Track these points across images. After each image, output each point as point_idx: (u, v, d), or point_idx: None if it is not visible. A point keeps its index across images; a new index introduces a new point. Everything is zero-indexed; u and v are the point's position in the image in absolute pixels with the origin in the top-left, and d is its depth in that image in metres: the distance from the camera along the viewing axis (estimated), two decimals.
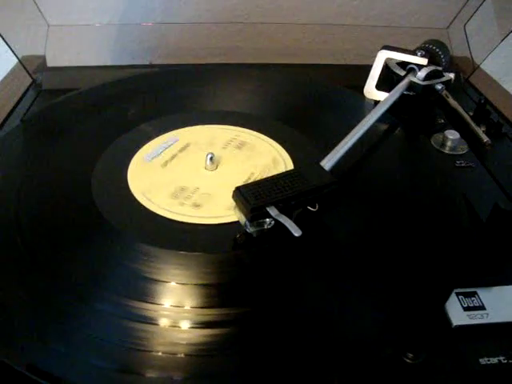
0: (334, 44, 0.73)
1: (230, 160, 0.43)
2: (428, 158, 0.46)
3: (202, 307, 0.30)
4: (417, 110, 0.52)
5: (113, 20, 0.69)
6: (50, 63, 0.64)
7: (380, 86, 0.54)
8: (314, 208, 0.36)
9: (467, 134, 0.51)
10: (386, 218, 0.38)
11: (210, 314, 0.30)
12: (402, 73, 0.52)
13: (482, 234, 0.37)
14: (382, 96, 0.52)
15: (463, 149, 0.49)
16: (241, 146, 0.45)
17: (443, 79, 0.50)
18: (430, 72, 0.50)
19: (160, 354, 0.27)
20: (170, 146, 0.44)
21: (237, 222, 0.35)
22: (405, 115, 0.51)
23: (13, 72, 0.65)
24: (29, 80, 0.62)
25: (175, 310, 0.30)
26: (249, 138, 0.47)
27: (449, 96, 0.57)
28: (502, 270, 0.35)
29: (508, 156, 0.50)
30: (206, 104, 0.52)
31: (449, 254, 0.34)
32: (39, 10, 0.63)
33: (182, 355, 0.28)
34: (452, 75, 0.51)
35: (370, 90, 0.54)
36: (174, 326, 0.29)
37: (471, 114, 0.54)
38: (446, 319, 0.31)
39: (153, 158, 0.42)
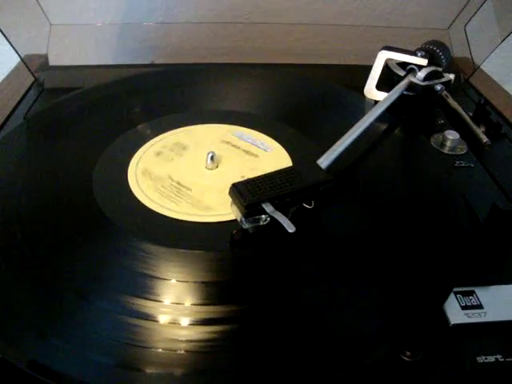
0: (335, 44, 0.73)
1: (231, 159, 0.44)
2: (427, 158, 0.46)
3: (201, 304, 0.30)
4: (416, 110, 0.52)
5: (115, 19, 0.69)
6: (52, 62, 0.65)
7: (380, 87, 0.54)
8: (310, 205, 0.36)
9: (467, 134, 0.51)
10: (384, 218, 0.38)
11: (210, 311, 0.30)
12: (402, 73, 0.52)
13: (480, 233, 0.37)
14: (382, 96, 0.53)
15: (462, 149, 0.49)
16: (242, 145, 0.46)
17: (443, 80, 0.51)
18: (430, 72, 0.50)
19: (160, 350, 0.28)
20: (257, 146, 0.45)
21: (236, 220, 0.35)
22: (404, 115, 0.52)
23: (15, 70, 0.66)
24: (31, 79, 0.62)
25: (175, 306, 0.30)
26: (250, 138, 0.47)
27: (449, 96, 0.57)
28: (500, 270, 0.35)
29: (507, 156, 0.50)
30: (208, 103, 0.53)
31: (447, 254, 0.35)
32: (42, 9, 0.64)
33: (182, 351, 0.28)
34: (452, 76, 0.51)
35: (370, 90, 0.54)
36: (174, 322, 0.29)
37: (471, 114, 0.54)
38: (444, 318, 0.31)
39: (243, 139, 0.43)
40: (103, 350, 0.28)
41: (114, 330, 0.29)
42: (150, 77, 0.58)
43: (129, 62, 0.68)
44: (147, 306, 0.30)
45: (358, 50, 0.70)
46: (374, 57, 0.54)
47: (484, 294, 0.33)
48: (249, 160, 0.44)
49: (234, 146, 0.46)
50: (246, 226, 0.34)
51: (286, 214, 0.34)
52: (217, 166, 0.42)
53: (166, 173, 0.42)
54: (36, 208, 0.38)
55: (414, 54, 0.52)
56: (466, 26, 0.66)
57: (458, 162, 0.47)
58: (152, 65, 0.69)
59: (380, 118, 0.48)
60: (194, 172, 0.42)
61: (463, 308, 0.32)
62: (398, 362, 0.29)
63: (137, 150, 0.44)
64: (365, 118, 0.44)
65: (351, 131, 0.42)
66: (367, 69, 0.55)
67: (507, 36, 0.60)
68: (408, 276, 0.33)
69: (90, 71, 0.64)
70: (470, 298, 0.33)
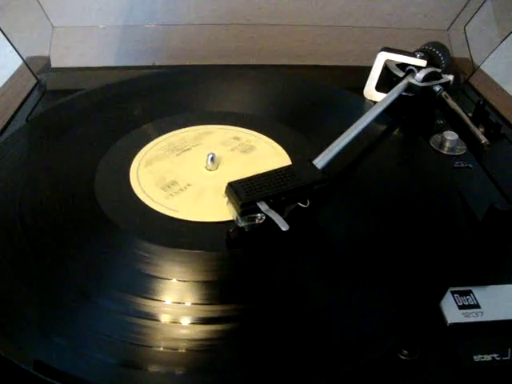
0: (336, 45, 0.73)
1: (231, 160, 0.44)
2: (426, 158, 0.46)
3: (202, 304, 0.31)
4: (415, 111, 0.53)
5: (116, 21, 0.69)
6: (55, 64, 0.65)
7: (380, 88, 0.54)
8: (305, 205, 0.37)
9: (466, 134, 0.51)
10: (383, 218, 0.39)
11: (211, 310, 0.30)
12: (401, 74, 0.53)
13: (478, 233, 0.37)
14: (381, 97, 0.53)
15: (462, 150, 0.49)
16: (243, 146, 0.46)
17: (442, 81, 0.51)
18: (429, 74, 0.51)
19: (162, 349, 0.28)
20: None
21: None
22: (403, 116, 0.52)
23: (18, 72, 0.66)
24: (33, 81, 0.62)
25: (176, 306, 0.31)
26: (251, 139, 0.47)
27: (448, 97, 0.57)
28: (498, 269, 0.35)
29: (506, 157, 0.50)
30: (209, 105, 0.53)
31: (445, 253, 0.35)
32: (44, 12, 0.64)
33: (184, 350, 0.28)
34: (451, 77, 0.52)
35: (370, 91, 0.55)
36: (175, 321, 0.30)
37: (470, 115, 0.55)
38: (441, 317, 0.32)
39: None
40: (105, 348, 0.28)
41: (116, 329, 0.29)
42: (152, 78, 0.59)
43: (130, 64, 0.69)
44: (149, 305, 0.31)
45: (359, 51, 0.70)
46: (374, 58, 0.54)
47: (481, 294, 0.33)
48: (249, 161, 0.44)
49: (234, 147, 0.46)
50: (241, 224, 0.35)
51: (281, 213, 0.34)
52: (217, 167, 0.43)
53: (168, 173, 0.42)
54: (38, 209, 0.38)
55: (412, 55, 0.52)
56: (465, 26, 0.66)
57: (457, 163, 0.48)
58: (153, 66, 0.69)
59: (379, 119, 0.48)
60: (194, 173, 0.43)
61: (460, 307, 0.32)
62: (396, 361, 0.30)
63: (138, 151, 0.45)
64: (362, 118, 0.45)
65: (348, 132, 0.43)
66: (367, 70, 0.56)
67: (507, 36, 0.60)
68: (405, 275, 0.34)
69: (91, 73, 0.64)
70: (467, 297, 0.33)
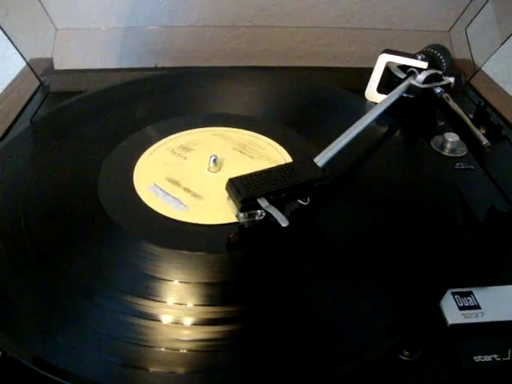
0: (338, 46, 0.74)
1: (234, 162, 0.44)
2: (427, 160, 0.47)
3: (203, 305, 0.31)
4: (417, 112, 0.53)
5: (119, 23, 0.70)
6: (58, 66, 0.65)
7: (381, 89, 0.55)
8: (306, 202, 0.37)
9: (467, 136, 0.51)
10: (383, 218, 0.39)
11: (212, 311, 0.31)
12: (403, 75, 0.53)
13: (478, 235, 0.37)
14: (382, 99, 0.53)
15: (462, 151, 0.50)
16: (245, 148, 0.46)
17: (443, 83, 0.51)
18: (430, 75, 0.51)
19: (163, 349, 0.28)
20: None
21: (238, 223, 0.36)
22: (405, 117, 0.52)
23: (21, 75, 0.66)
24: (37, 82, 0.63)
25: (178, 307, 0.31)
26: (253, 141, 0.47)
27: (449, 98, 0.57)
28: (498, 271, 0.36)
29: (507, 158, 0.50)
30: (211, 107, 0.53)
31: (445, 254, 0.35)
32: (47, 14, 0.65)
33: (185, 351, 0.29)
34: (452, 79, 0.52)
35: (371, 93, 0.55)
36: (177, 322, 0.30)
37: (471, 116, 0.55)
38: (442, 318, 0.32)
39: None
40: (107, 348, 0.28)
41: (118, 330, 0.29)
42: (155, 80, 0.59)
43: (133, 66, 0.69)
44: (151, 306, 0.31)
45: (360, 52, 0.71)
46: (376, 59, 0.55)
47: (481, 295, 0.33)
48: (251, 163, 0.44)
49: (237, 149, 0.46)
50: (241, 220, 0.35)
51: (281, 210, 0.34)
52: (219, 169, 0.43)
53: (170, 175, 0.43)
54: (42, 210, 0.39)
55: (414, 57, 0.53)
56: (466, 28, 0.66)
57: (457, 164, 0.48)
58: (156, 68, 0.70)
59: (380, 120, 0.49)
60: (197, 174, 0.43)
61: (461, 308, 0.32)
62: (396, 361, 0.30)
63: (141, 153, 0.45)
64: (363, 118, 0.45)
65: (349, 131, 0.43)
66: (369, 71, 0.56)
67: (508, 38, 0.60)
68: (406, 276, 0.34)
69: (94, 75, 0.65)
70: (468, 298, 0.33)
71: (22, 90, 0.62)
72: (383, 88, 0.54)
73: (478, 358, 0.30)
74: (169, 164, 0.44)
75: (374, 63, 0.55)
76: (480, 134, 0.51)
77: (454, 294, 0.33)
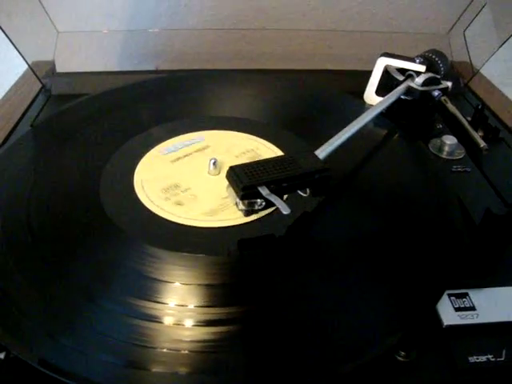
0: (337, 49, 0.74)
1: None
2: (425, 162, 0.47)
3: (204, 306, 0.32)
4: (415, 115, 0.54)
5: (120, 26, 0.70)
6: (59, 69, 0.66)
7: (380, 92, 0.55)
8: (305, 194, 0.37)
9: (465, 138, 0.52)
10: (380, 220, 0.39)
11: (212, 312, 0.31)
12: (401, 78, 0.53)
13: (475, 237, 0.38)
14: None
15: (460, 154, 0.50)
16: (245, 151, 0.47)
17: (440, 87, 0.52)
18: (428, 79, 0.51)
19: (165, 350, 0.29)
20: (190, 144, 0.45)
21: (238, 226, 0.37)
22: (403, 120, 0.53)
23: (23, 77, 0.67)
24: (38, 85, 0.63)
25: (179, 308, 0.32)
26: (253, 144, 0.48)
27: (448, 101, 0.58)
28: (494, 272, 0.36)
29: (504, 160, 0.51)
30: (211, 110, 0.54)
31: (442, 256, 0.36)
32: (49, 17, 0.65)
33: (186, 352, 0.29)
34: (449, 83, 0.52)
35: (370, 96, 0.55)
36: (178, 323, 0.31)
37: (469, 119, 0.55)
38: (438, 319, 0.33)
39: (169, 153, 0.42)
40: (110, 349, 0.29)
41: (121, 331, 0.30)
42: (155, 83, 0.59)
43: (134, 68, 0.70)
44: (152, 307, 0.31)
45: (360, 55, 0.71)
46: (375, 62, 0.55)
47: (477, 296, 0.34)
48: None
49: (236, 152, 0.47)
50: (240, 208, 0.35)
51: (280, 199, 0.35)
52: (219, 172, 0.44)
53: (170, 178, 0.43)
54: (45, 213, 0.39)
55: (412, 60, 0.53)
56: (465, 30, 0.67)
57: (455, 167, 0.48)
58: (156, 71, 0.70)
59: (379, 123, 0.49)
60: (197, 178, 0.43)
61: (456, 310, 0.33)
62: (393, 362, 0.30)
63: (142, 156, 0.46)
64: (363, 115, 0.46)
65: (349, 127, 0.44)
66: (369, 74, 0.56)
67: (505, 41, 0.60)
68: (403, 278, 0.34)
69: (95, 77, 0.65)
70: (464, 300, 0.34)
71: (24, 92, 0.63)
72: (382, 91, 0.55)
73: (472, 359, 0.31)
74: (169, 167, 0.45)
75: (373, 66, 0.56)
76: (478, 136, 0.52)
77: (449, 295, 0.34)
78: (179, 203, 0.40)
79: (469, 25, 0.66)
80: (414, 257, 0.36)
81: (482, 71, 0.68)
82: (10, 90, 0.64)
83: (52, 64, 0.66)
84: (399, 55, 0.54)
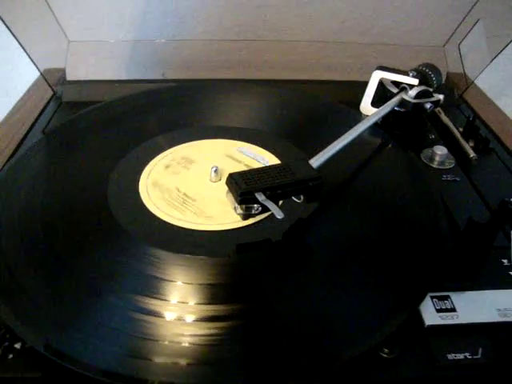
0: (337, 60, 0.76)
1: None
2: (416, 172, 0.49)
3: (203, 303, 0.34)
4: (408, 126, 0.56)
5: (128, 35, 0.73)
6: (69, 77, 0.69)
7: (375, 103, 0.58)
8: (299, 200, 0.40)
9: (456, 149, 0.54)
10: (371, 226, 0.42)
11: (211, 309, 0.34)
12: (395, 90, 0.56)
13: (459, 243, 0.40)
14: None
15: (450, 163, 0.53)
16: (245, 160, 0.50)
17: (432, 99, 0.54)
18: (421, 91, 0.54)
19: (167, 343, 0.32)
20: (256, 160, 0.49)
21: (235, 230, 0.40)
22: (397, 131, 0.55)
23: (35, 84, 0.70)
24: (50, 92, 0.66)
25: (180, 305, 0.34)
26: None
27: (441, 112, 0.61)
28: (475, 277, 0.38)
29: (493, 170, 0.53)
30: (213, 119, 0.57)
31: (426, 261, 0.38)
32: (60, 27, 0.68)
33: (187, 344, 0.32)
34: (441, 96, 0.55)
35: (366, 107, 0.58)
36: (179, 319, 0.33)
37: (461, 129, 0.58)
38: (420, 319, 0.35)
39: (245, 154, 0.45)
40: (116, 341, 0.32)
41: (126, 325, 0.33)
42: (162, 92, 0.62)
43: (141, 77, 0.72)
44: (155, 304, 0.34)
45: (358, 66, 0.73)
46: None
47: (458, 299, 0.36)
48: None
49: (236, 160, 0.49)
50: (239, 212, 0.38)
51: (276, 204, 0.37)
52: (220, 179, 0.46)
53: (174, 184, 0.46)
54: (57, 217, 0.42)
55: (406, 73, 0.56)
56: (460, 44, 0.69)
57: (445, 176, 0.51)
58: (163, 80, 0.73)
59: (372, 133, 0.52)
60: (199, 184, 0.46)
61: (438, 311, 0.35)
62: (377, 358, 0.33)
63: (147, 163, 0.49)
64: (357, 126, 0.48)
65: (343, 137, 0.46)
66: (365, 85, 0.59)
67: (497, 54, 0.63)
68: (388, 281, 0.37)
69: (104, 85, 0.68)
70: (445, 302, 0.36)
71: (36, 99, 0.66)
72: (377, 102, 0.57)
73: (451, 356, 0.33)
74: (172, 173, 0.47)
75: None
76: (468, 147, 0.54)
77: (432, 297, 0.36)
78: (182, 208, 0.43)
79: (463, 38, 0.69)
80: (400, 261, 0.39)
81: (478, 83, 0.71)
82: (23, 96, 0.67)
83: (62, 72, 0.68)
84: (394, 68, 0.56)
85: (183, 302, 0.34)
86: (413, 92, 0.54)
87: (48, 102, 0.65)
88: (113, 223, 0.41)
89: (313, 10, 0.72)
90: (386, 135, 0.53)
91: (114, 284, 0.36)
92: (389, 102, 0.54)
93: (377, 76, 0.57)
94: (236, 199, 0.37)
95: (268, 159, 0.49)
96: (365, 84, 0.59)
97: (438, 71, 0.57)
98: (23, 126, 0.59)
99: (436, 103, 0.54)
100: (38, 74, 0.66)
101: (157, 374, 0.30)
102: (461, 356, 0.33)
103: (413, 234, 0.41)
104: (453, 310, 0.36)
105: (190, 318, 0.34)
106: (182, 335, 0.32)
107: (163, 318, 0.33)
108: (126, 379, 0.29)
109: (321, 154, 0.43)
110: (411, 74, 0.55)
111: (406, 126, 0.56)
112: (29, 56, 0.62)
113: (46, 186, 0.45)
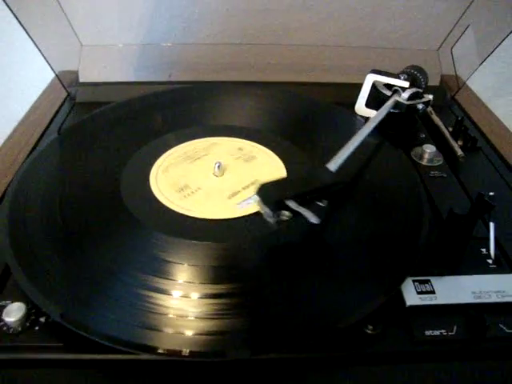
0: (336, 63, 0.80)
1: (235, 168, 0.52)
2: (406, 168, 0.53)
3: (207, 283, 0.39)
4: (401, 126, 0.60)
5: (137, 38, 0.77)
6: (82, 78, 0.73)
7: (369, 105, 0.61)
8: (324, 204, 0.43)
9: (445, 147, 0.58)
10: (361, 216, 0.46)
11: (214, 288, 0.38)
12: (388, 93, 0.59)
13: (441, 233, 0.44)
14: (370, 113, 0.60)
15: (439, 161, 0.56)
16: (245, 156, 0.54)
17: (423, 100, 0.58)
18: (413, 93, 0.57)
19: (172, 315, 0.36)
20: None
21: (237, 218, 0.44)
22: (391, 131, 0.59)
23: (51, 86, 0.74)
24: (64, 93, 0.70)
25: (187, 284, 0.38)
26: (253, 150, 0.55)
27: (432, 113, 0.64)
28: (454, 263, 0.42)
29: (480, 167, 0.57)
30: (217, 119, 0.61)
31: (409, 248, 0.42)
32: (74, 31, 0.72)
33: (192, 318, 0.36)
34: (431, 96, 0.58)
35: (360, 108, 0.62)
36: (185, 296, 0.37)
37: (451, 129, 0.61)
38: (402, 300, 0.39)
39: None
40: (129, 314, 0.36)
41: (138, 301, 0.37)
42: (169, 94, 0.66)
43: (149, 79, 0.76)
44: (163, 283, 0.38)
45: (355, 69, 0.77)
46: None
47: (438, 283, 0.40)
48: (250, 169, 0.52)
49: (238, 156, 0.53)
50: (271, 220, 0.41)
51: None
52: (223, 174, 0.50)
53: (181, 177, 0.50)
54: (75, 208, 0.46)
55: (397, 77, 0.59)
56: (452, 47, 0.73)
57: (432, 173, 0.54)
58: (171, 82, 0.77)
59: (369, 134, 0.55)
60: (203, 178, 0.50)
61: (418, 293, 0.39)
62: (362, 334, 0.37)
63: (157, 159, 0.53)
64: (363, 129, 0.51)
65: (352, 140, 0.49)
66: (359, 87, 0.63)
67: (486, 58, 0.66)
68: (374, 266, 0.41)
69: (114, 87, 0.72)
70: (426, 285, 0.40)
71: (51, 100, 0.70)
72: (371, 103, 0.61)
73: (428, 333, 0.37)
74: (180, 168, 0.51)
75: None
76: (456, 145, 0.58)
77: (414, 281, 0.40)
78: (188, 199, 0.47)
79: (455, 42, 0.72)
80: (385, 247, 0.42)
81: (470, 85, 0.74)
82: (40, 97, 0.71)
83: (75, 74, 0.72)
84: (386, 72, 0.60)
85: (190, 282, 0.39)
86: (406, 94, 0.58)
87: (62, 103, 0.69)
88: (125, 212, 0.45)
89: (313, 15, 0.76)
90: (378, 135, 0.57)
91: (127, 266, 0.40)
92: (385, 105, 0.57)
93: (370, 79, 0.60)
94: (270, 208, 0.40)
95: (268, 157, 0.53)
96: (360, 86, 0.63)
97: (424, 72, 0.61)
98: (40, 125, 0.63)
99: (427, 103, 0.58)
100: (49, 76, 0.70)
101: (165, 343, 0.34)
102: (437, 333, 0.37)
103: (400, 224, 0.45)
104: (432, 292, 0.39)
105: (195, 295, 0.38)
106: (189, 310, 0.36)
107: (171, 295, 0.37)
108: (138, 346, 0.33)
109: (335, 158, 0.46)
110: (402, 77, 0.59)
111: (399, 126, 0.60)
112: (45, 59, 0.65)
113: (63, 177, 0.50)
